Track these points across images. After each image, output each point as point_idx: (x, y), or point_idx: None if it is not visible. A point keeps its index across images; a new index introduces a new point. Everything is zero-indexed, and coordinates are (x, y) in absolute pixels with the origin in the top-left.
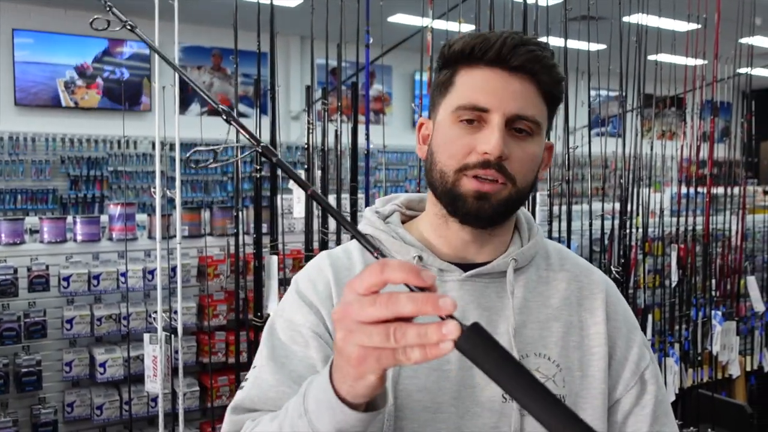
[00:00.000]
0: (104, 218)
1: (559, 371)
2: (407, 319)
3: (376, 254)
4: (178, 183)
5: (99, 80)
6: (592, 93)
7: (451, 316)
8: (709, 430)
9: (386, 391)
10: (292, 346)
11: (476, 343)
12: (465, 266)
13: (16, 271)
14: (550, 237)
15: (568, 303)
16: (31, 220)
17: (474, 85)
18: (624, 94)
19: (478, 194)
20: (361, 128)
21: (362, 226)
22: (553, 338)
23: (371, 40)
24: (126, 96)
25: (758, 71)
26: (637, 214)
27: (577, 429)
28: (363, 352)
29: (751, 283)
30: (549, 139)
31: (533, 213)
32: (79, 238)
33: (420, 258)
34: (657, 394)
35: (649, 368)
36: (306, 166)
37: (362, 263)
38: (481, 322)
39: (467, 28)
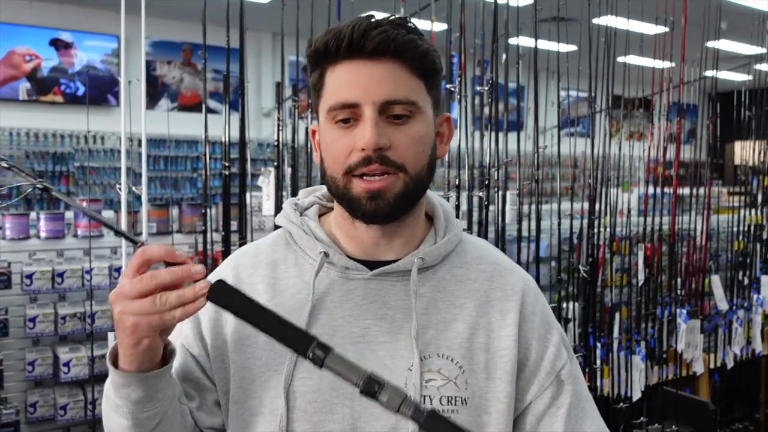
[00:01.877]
0: (69, 215)
1: (462, 373)
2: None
3: (137, 246)
4: (144, 179)
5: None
6: (563, 93)
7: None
8: (674, 426)
9: (173, 349)
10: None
11: (223, 293)
12: (373, 264)
13: None
14: (519, 236)
15: (478, 303)
16: None
17: (339, 82)
18: (593, 95)
19: (371, 194)
20: None
21: (278, 218)
22: (458, 339)
23: None
24: (94, 90)
25: (723, 74)
26: (605, 214)
27: (298, 334)
28: (136, 320)
29: (715, 282)
30: (446, 112)
31: (502, 212)
32: (42, 234)
33: (326, 254)
34: (574, 392)
35: (565, 367)
36: (276, 164)
37: (268, 262)
38: (384, 321)
39: (440, 27)
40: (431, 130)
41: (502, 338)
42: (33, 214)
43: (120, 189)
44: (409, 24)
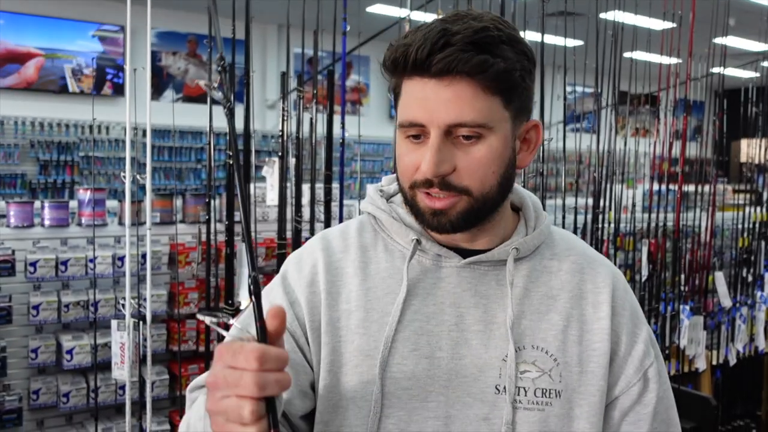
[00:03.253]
0: (73, 204)
1: (557, 365)
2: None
3: (221, 329)
4: (148, 168)
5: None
6: (568, 88)
7: None
8: None
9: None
10: None
11: None
12: (464, 252)
13: None
14: None
15: (571, 295)
16: None
17: (410, 98)
18: (599, 90)
19: (433, 211)
20: (337, 118)
21: (365, 205)
22: (553, 331)
23: (348, 28)
24: (99, 81)
25: (730, 71)
26: (610, 209)
27: None
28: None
29: (719, 278)
30: (531, 118)
31: None
32: (47, 223)
33: (418, 241)
34: (659, 393)
35: (653, 366)
36: (280, 154)
37: (358, 246)
38: (478, 310)
39: None
40: (507, 145)
41: (595, 331)
42: (37, 203)
43: (125, 178)
44: (487, 35)
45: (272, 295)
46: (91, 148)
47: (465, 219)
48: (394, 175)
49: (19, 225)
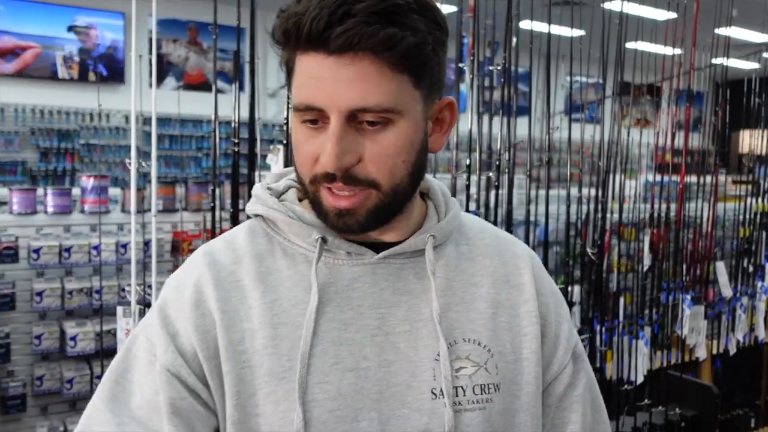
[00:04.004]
0: (76, 191)
1: (491, 357)
2: None
3: None
4: (153, 155)
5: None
6: (570, 78)
7: None
8: (677, 409)
9: None
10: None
11: None
12: (375, 246)
13: None
14: (527, 219)
15: (493, 280)
16: None
17: (305, 78)
18: (603, 80)
19: (338, 211)
20: None
21: (252, 206)
22: (482, 320)
23: None
24: (99, 68)
25: (732, 62)
26: (612, 200)
27: None
28: None
29: (720, 268)
30: (446, 97)
31: (509, 196)
32: (50, 209)
33: (324, 240)
34: (587, 371)
35: (578, 344)
36: (284, 142)
37: (251, 255)
38: (400, 308)
39: (448, 9)
40: (418, 129)
41: (523, 315)
42: (40, 190)
43: (129, 165)
44: (394, 3)
45: (149, 331)
46: (92, 136)
47: (375, 217)
48: (284, 169)
49: (22, 212)
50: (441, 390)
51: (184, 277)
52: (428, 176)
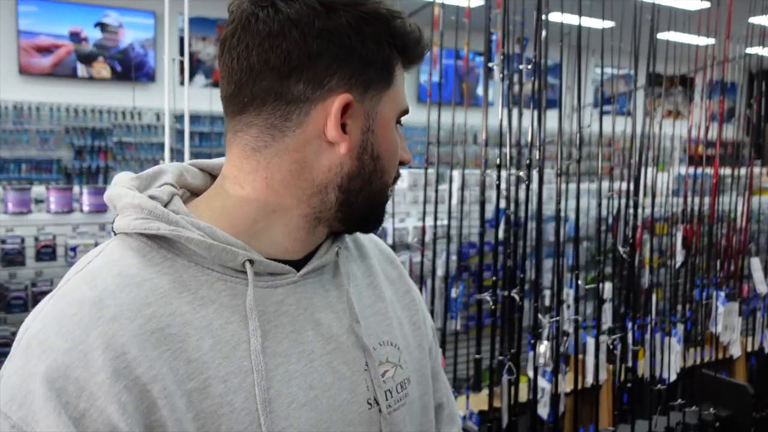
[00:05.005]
0: None
1: (401, 353)
2: None
3: None
4: (186, 154)
5: (102, 59)
6: (599, 71)
7: None
8: (711, 409)
9: None
10: None
11: None
12: (284, 261)
13: (23, 240)
14: (557, 215)
15: (382, 278)
16: (37, 190)
17: (401, 87)
18: (634, 72)
19: None
20: None
21: (138, 223)
22: (387, 321)
23: None
24: (133, 67)
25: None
26: (644, 194)
27: None
28: None
29: (755, 264)
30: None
31: (539, 191)
32: (85, 208)
33: (251, 262)
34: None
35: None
36: None
37: (164, 289)
38: (323, 326)
39: (477, 2)
40: None
41: (408, 308)
42: (76, 188)
43: (162, 163)
44: None
45: (21, 413)
46: (124, 134)
47: None
48: (145, 174)
49: (59, 210)
50: (375, 398)
51: (82, 335)
52: None
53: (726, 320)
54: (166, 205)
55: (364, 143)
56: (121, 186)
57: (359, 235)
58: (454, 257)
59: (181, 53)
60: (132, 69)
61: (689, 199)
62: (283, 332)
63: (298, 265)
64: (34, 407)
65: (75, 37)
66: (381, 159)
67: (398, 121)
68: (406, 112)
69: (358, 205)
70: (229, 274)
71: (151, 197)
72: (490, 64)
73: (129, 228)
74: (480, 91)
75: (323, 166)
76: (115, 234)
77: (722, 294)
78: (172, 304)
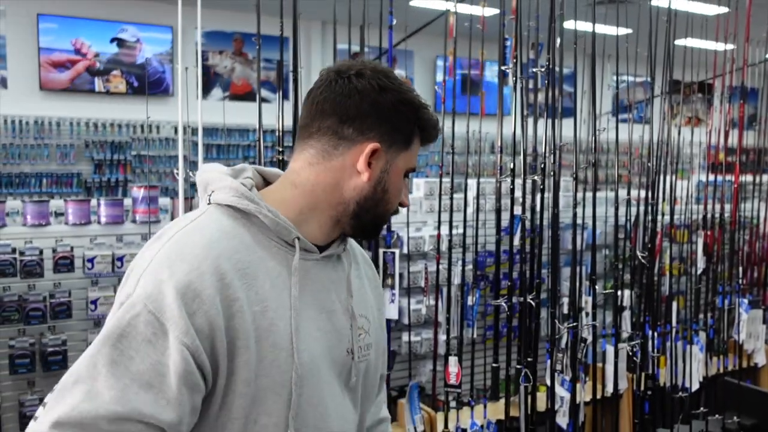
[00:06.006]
0: (127, 201)
1: (371, 326)
2: None
3: None
4: (200, 164)
5: (119, 72)
6: (616, 78)
7: None
8: (735, 417)
9: None
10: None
11: None
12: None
13: (41, 252)
14: (574, 222)
15: (364, 276)
16: (56, 203)
17: (415, 153)
18: (651, 79)
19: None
20: None
21: (233, 198)
22: (365, 302)
23: (395, 22)
24: (151, 81)
25: None
26: (663, 201)
27: None
28: None
29: None
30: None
31: (555, 198)
32: (103, 220)
33: (298, 239)
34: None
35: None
36: None
37: (246, 244)
38: (331, 293)
39: (491, 12)
40: None
41: (376, 296)
42: (93, 201)
43: (177, 175)
44: None
45: (155, 306)
46: (143, 147)
47: None
48: (234, 168)
49: (77, 222)
50: (351, 349)
51: (200, 262)
52: None
53: (750, 328)
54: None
55: (380, 179)
56: (218, 173)
57: (354, 244)
58: (470, 266)
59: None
60: (147, 84)
61: (710, 206)
62: (308, 290)
63: (320, 249)
64: (165, 303)
65: (88, 52)
66: (388, 193)
67: (406, 175)
68: (413, 169)
69: (366, 219)
70: (282, 244)
71: (242, 184)
72: (503, 68)
73: (225, 201)
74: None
75: (350, 187)
76: (209, 204)
77: (745, 301)
78: (251, 254)
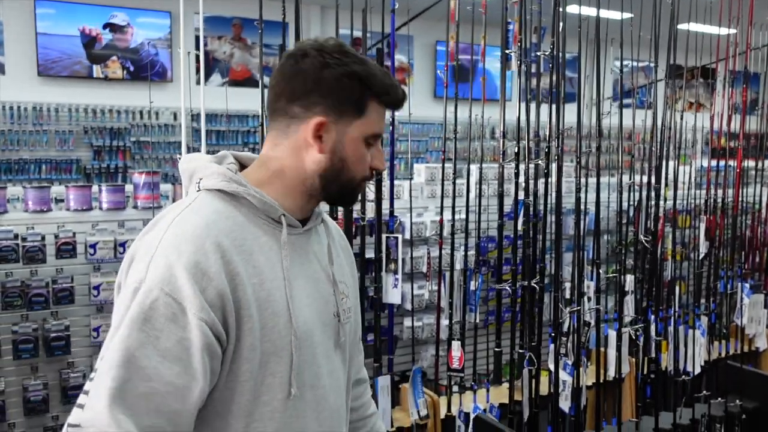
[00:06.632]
0: (129, 187)
1: (349, 290)
2: None
3: None
4: (203, 151)
5: (116, 58)
6: (618, 63)
7: None
8: (737, 401)
9: None
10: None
11: None
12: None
13: (43, 238)
14: (577, 206)
15: (339, 247)
16: (57, 189)
17: (378, 118)
18: (655, 63)
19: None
20: None
21: (222, 183)
22: (344, 269)
23: (397, 6)
24: (147, 67)
25: None
26: (666, 186)
27: None
28: None
29: None
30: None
31: (558, 183)
32: (104, 206)
33: (284, 215)
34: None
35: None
36: None
37: (240, 223)
38: (314, 262)
39: None
40: None
41: (351, 265)
42: (95, 187)
43: (179, 161)
44: None
45: (170, 288)
46: (142, 133)
47: None
48: (217, 155)
49: (78, 208)
50: (337, 312)
51: (202, 242)
52: None
53: (751, 312)
54: None
55: (334, 149)
56: (203, 161)
57: (326, 218)
58: (472, 251)
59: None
60: (144, 68)
61: (712, 191)
62: (296, 261)
63: (301, 223)
64: (179, 284)
65: (86, 37)
66: (346, 161)
67: (372, 141)
68: (377, 135)
69: (333, 189)
70: (269, 222)
71: (228, 169)
72: (507, 51)
73: (215, 186)
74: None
75: (309, 161)
76: (199, 191)
77: (747, 286)
78: (245, 232)
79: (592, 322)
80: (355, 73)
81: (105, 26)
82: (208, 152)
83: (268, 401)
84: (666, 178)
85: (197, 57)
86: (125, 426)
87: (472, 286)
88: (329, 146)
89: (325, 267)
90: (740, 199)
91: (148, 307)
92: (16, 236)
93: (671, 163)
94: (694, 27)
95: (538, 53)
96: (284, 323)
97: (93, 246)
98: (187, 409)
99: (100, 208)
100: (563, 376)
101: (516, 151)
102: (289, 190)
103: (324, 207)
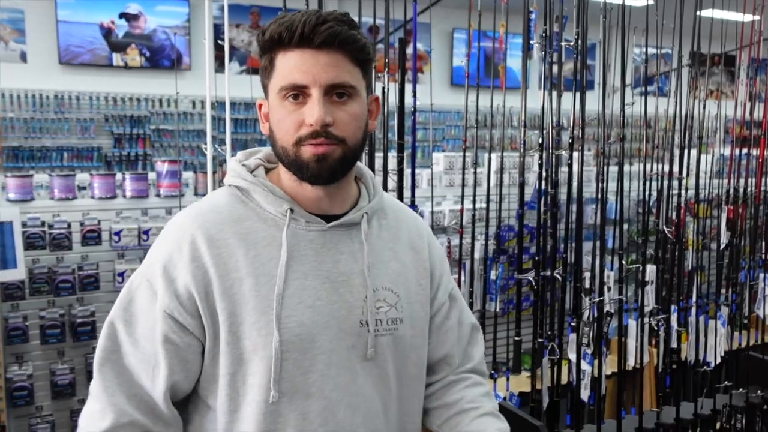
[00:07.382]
0: (151, 175)
1: (399, 300)
2: None
3: None
4: (228, 140)
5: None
6: (638, 51)
7: None
8: (759, 391)
9: None
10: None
11: None
12: (325, 217)
13: (69, 225)
14: (601, 196)
15: (403, 246)
16: (81, 177)
17: (290, 66)
18: (679, 51)
19: (317, 157)
20: (407, 87)
21: (231, 179)
22: (393, 275)
23: None
24: (166, 55)
25: None
26: (687, 175)
27: None
28: None
29: None
30: (375, 93)
31: (580, 173)
32: (128, 194)
33: (291, 210)
34: (462, 309)
35: (454, 289)
36: None
37: (234, 218)
38: (341, 264)
39: None
40: (365, 109)
41: (421, 272)
42: (119, 175)
43: (205, 150)
44: (351, 19)
45: (149, 275)
46: (162, 121)
47: (341, 166)
48: (249, 150)
49: (103, 196)
50: (366, 321)
51: (180, 235)
52: (361, 164)
53: None
54: (252, 171)
55: (269, 121)
56: (233, 159)
57: (400, 213)
58: (491, 241)
59: (216, 40)
60: (160, 54)
61: (733, 181)
62: (308, 259)
63: (331, 219)
64: (155, 272)
65: (103, 27)
66: (273, 128)
67: (293, 97)
68: (287, 86)
69: (285, 164)
70: (277, 215)
71: (244, 165)
72: (531, 42)
73: (228, 182)
74: (514, 68)
75: (272, 140)
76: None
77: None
78: (238, 227)
79: (614, 311)
80: (259, 35)
81: (121, 15)
82: (222, 140)
83: (251, 401)
84: (688, 168)
85: (217, 45)
86: (110, 388)
87: (492, 275)
88: (269, 120)
89: (362, 270)
90: (762, 188)
91: (133, 292)
92: (43, 223)
93: (694, 152)
94: (718, 14)
95: (562, 43)
96: (266, 321)
97: (117, 233)
98: (158, 390)
99: (124, 196)
100: (583, 365)
101: (540, 141)
102: (286, 181)
103: (389, 202)
